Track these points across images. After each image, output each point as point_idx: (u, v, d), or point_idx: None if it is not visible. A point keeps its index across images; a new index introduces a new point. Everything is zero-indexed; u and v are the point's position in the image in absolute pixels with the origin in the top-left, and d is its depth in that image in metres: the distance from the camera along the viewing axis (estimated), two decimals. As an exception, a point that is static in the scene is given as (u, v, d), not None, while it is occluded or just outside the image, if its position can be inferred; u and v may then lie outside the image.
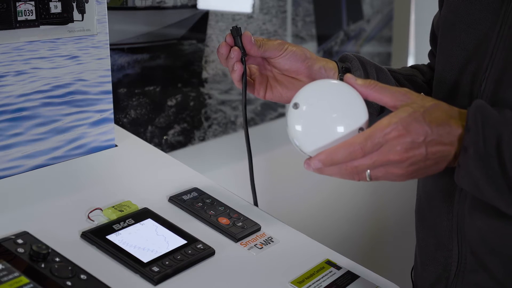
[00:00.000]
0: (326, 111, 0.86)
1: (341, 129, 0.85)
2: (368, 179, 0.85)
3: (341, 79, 1.08)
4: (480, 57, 0.97)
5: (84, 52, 1.11)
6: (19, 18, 1.01)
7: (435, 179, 1.06)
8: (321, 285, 0.98)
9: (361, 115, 0.86)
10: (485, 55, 0.96)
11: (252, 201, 1.16)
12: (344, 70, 1.11)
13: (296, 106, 0.87)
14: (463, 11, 1.01)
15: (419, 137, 0.83)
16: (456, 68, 1.02)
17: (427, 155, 0.84)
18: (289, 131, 0.87)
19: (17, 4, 1.00)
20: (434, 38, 1.20)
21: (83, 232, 0.94)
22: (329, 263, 1.04)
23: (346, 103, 0.87)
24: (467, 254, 1.00)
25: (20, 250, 0.85)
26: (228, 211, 1.09)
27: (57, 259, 0.86)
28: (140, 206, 1.04)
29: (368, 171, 0.84)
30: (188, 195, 1.10)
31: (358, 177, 0.85)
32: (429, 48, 1.25)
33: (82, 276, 0.85)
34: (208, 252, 0.98)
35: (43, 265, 0.83)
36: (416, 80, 1.19)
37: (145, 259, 0.92)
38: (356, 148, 0.82)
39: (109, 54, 1.15)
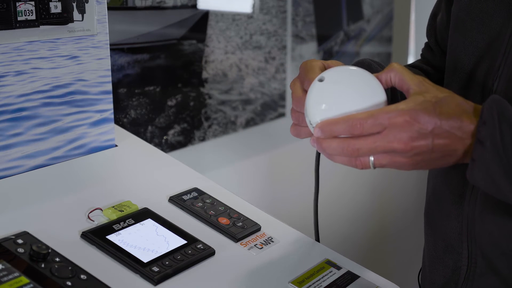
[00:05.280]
0: (343, 90, 0.86)
1: (352, 108, 0.84)
2: (371, 166, 0.83)
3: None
4: (493, 56, 0.96)
5: (84, 52, 1.11)
6: (19, 18, 1.01)
7: (445, 180, 1.05)
8: (321, 285, 0.98)
9: (378, 100, 0.86)
10: (497, 53, 0.95)
11: (252, 202, 1.16)
12: None
13: (321, 79, 0.87)
14: (475, 9, 1.00)
15: (426, 128, 0.81)
16: (468, 66, 1.00)
17: (433, 148, 0.82)
18: (305, 103, 0.87)
19: (17, 4, 1.00)
20: (434, 31, 1.18)
21: (83, 232, 0.94)
22: (329, 263, 1.04)
23: (366, 88, 0.86)
24: (477, 257, 0.99)
25: (20, 250, 0.85)
26: (228, 211, 1.09)
27: (57, 259, 0.86)
28: (140, 206, 1.04)
29: (372, 158, 0.83)
30: (188, 195, 1.10)
31: (360, 163, 0.83)
32: (429, 47, 1.24)
33: (82, 276, 0.85)
34: (208, 252, 0.98)
35: (43, 265, 0.83)
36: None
37: (145, 259, 0.92)
38: (355, 123, 0.81)
39: (109, 54, 1.15)
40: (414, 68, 1.21)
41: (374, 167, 0.84)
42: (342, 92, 0.86)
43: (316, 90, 0.87)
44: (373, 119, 0.81)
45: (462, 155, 0.84)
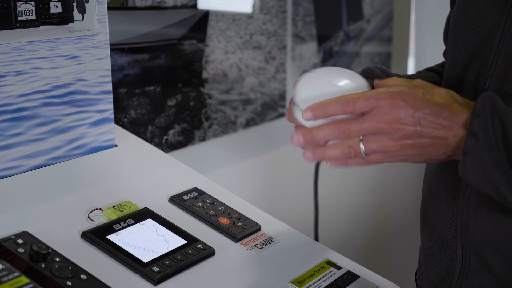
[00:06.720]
0: (329, 74, 0.92)
1: (336, 86, 0.89)
2: (362, 152, 0.85)
3: None
4: (485, 55, 0.97)
5: (84, 52, 1.11)
6: (19, 18, 1.01)
7: (439, 178, 1.06)
8: (321, 285, 0.98)
9: (361, 84, 0.90)
10: (489, 52, 0.96)
11: (252, 202, 1.16)
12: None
13: (309, 72, 0.93)
14: (469, 9, 1.01)
15: (413, 111, 0.84)
16: (461, 65, 1.02)
17: (421, 132, 0.84)
18: (294, 93, 0.92)
19: (17, 4, 1.00)
20: (447, 37, 1.20)
21: (83, 232, 0.94)
22: (329, 263, 1.04)
23: (350, 75, 0.91)
24: (471, 255, 0.99)
25: (20, 250, 0.85)
26: (228, 211, 1.09)
27: (57, 259, 0.86)
28: (140, 206, 1.04)
29: (362, 146, 0.85)
30: (188, 195, 1.10)
31: (353, 150, 0.86)
32: (429, 47, 1.25)
33: (82, 276, 0.85)
34: (208, 252, 0.98)
35: (43, 265, 0.83)
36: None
37: (145, 259, 0.92)
38: (348, 101, 0.85)
39: (109, 54, 1.15)
40: (430, 71, 1.22)
41: (366, 153, 0.86)
42: (328, 76, 0.91)
43: (304, 78, 0.91)
44: (364, 98, 0.85)
45: (454, 147, 0.85)
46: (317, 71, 0.92)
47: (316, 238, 1.11)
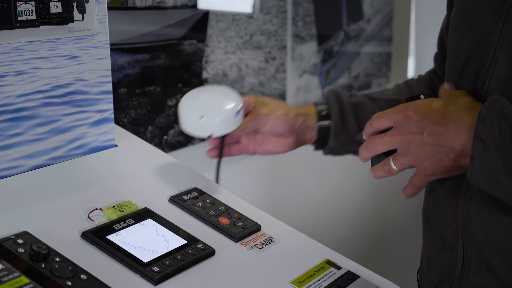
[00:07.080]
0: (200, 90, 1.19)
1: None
2: (395, 169, 0.94)
3: (320, 127, 1.23)
4: (483, 55, 0.97)
5: (84, 52, 1.11)
6: (19, 18, 1.01)
7: (441, 178, 1.06)
8: (321, 285, 0.98)
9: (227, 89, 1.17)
10: (488, 53, 0.96)
11: (252, 201, 1.16)
12: (322, 116, 1.22)
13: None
14: (468, 11, 1.02)
15: (420, 121, 0.90)
16: (459, 67, 1.02)
17: (427, 140, 0.90)
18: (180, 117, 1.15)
19: (17, 4, 1.00)
20: (441, 41, 1.21)
21: (83, 232, 0.94)
22: (329, 263, 1.04)
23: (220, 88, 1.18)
24: (472, 255, 1.00)
25: (20, 250, 0.85)
26: (228, 211, 1.09)
27: (57, 259, 0.86)
28: (140, 206, 1.04)
29: (392, 163, 0.93)
30: (188, 195, 1.10)
31: (387, 167, 0.94)
32: (429, 47, 1.25)
33: (82, 276, 0.85)
34: (208, 252, 0.98)
35: (43, 265, 0.83)
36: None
37: (145, 259, 0.92)
38: (373, 120, 0.95)
39: (109, 54, 1.15)
40: (400, 89, 1.30)
41: (398, 169, 0.94)
42: (200, 90, 1.18)
43: (188, 95, 1.16)
44: (385, 114, 0.94)
45: (459, 152, 0.87)
46: (196, 90, 1.17)
47: (217, 181, 1.18)
